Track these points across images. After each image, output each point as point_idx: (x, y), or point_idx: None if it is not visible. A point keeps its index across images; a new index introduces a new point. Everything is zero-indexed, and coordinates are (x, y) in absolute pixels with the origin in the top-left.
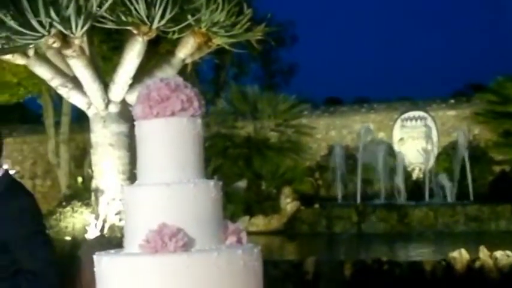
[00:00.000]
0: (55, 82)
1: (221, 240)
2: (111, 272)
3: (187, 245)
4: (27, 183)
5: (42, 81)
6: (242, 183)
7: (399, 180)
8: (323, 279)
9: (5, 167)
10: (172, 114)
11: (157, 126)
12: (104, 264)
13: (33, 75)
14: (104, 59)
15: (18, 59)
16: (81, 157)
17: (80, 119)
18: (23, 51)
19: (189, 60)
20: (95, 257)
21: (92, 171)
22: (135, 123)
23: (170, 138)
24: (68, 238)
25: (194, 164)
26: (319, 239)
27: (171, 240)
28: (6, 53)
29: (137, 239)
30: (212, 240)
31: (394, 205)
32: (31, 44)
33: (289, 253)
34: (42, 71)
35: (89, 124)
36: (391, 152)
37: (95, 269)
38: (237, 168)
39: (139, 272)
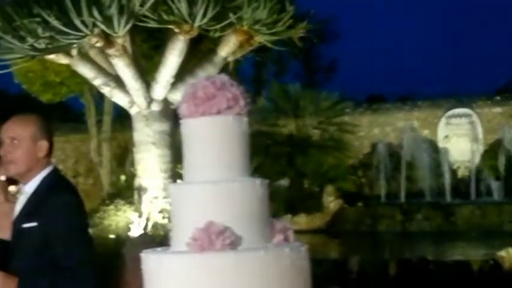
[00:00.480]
0: (98, 81)
1: (268, 239)
2: (158, 270)
3: (234, 243)
4: None
5: (84, 81)
6: (284, 182)
7: (444, 178)
8: (367, 279)
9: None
10: (218, 112)
11: (203, 124)
12: (151, 262)
13: (75, 75)
14: (145, 58)
15: (61, 59)
16: (122, 155)
17: (122, 117)
18: (66, 50)
19: (230, 59)
20: (142, 254)
21: (135, 170)
22: (181, 121)
23: (216, 137)
24: (111, 236)
25: (240, 163)
26: (362, 238)
27: (218, 238)
28: (50, 53)
29: (184, 237)
30: (259, 239)
31: (439, 204)
32: (74, 43)
33: (332, 252)
34: (85, 70)
35: (131, 123)
36: (435, 150)
37: (142, 267)
38: (279, 166)
39: (186, 270)
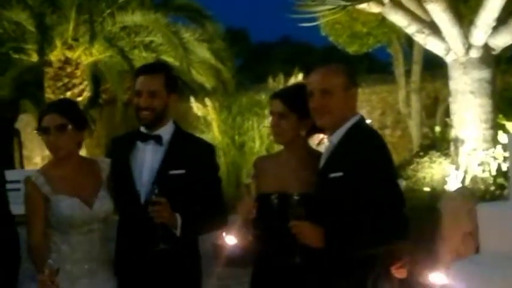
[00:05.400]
0: (411, 29)
1: None
2: (498, 224)
3: None
4: None
5: (392, 30)
6: None
7: None
8: None
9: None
10: None
11: None
12: (490, 215)
13: (383, 24)
14: (460, 1)
15: (373, 8)
16: (431, 106)
17: (431, 67)
18: None
19: None
20: (478, 207)
21: (450, 120)
22: None
23: None
24: (426, 189)
25: None
26: None
27: None
28: (362, 2)
29: None
30: None
31: None
32: None
33: None
34: (398, 18)
35: (441, 72)
36: None
37: (478, 219)
38: None
39: None
